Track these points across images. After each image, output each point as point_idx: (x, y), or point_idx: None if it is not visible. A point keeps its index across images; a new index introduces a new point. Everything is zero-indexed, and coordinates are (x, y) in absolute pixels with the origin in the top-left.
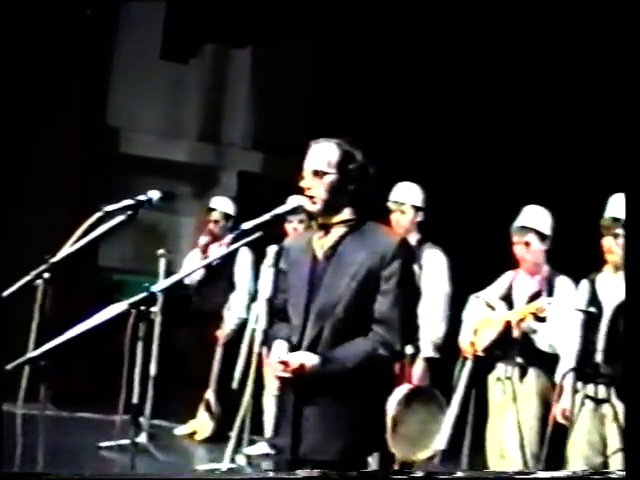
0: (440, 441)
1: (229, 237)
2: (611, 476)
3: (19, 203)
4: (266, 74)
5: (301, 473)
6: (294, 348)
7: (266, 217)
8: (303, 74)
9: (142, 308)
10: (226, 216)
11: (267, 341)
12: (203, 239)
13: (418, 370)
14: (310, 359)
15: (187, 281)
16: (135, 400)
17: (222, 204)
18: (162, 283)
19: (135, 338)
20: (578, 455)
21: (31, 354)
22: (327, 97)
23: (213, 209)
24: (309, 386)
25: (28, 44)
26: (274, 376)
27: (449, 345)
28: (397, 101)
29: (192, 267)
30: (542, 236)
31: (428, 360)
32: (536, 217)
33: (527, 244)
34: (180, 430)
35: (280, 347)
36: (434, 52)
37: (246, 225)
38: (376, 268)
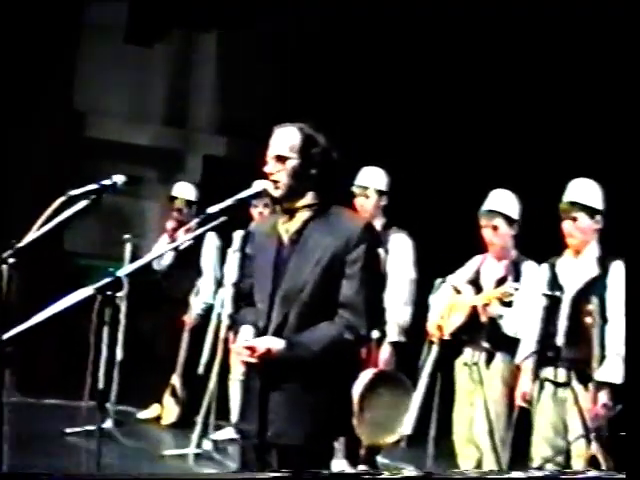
0: (406, 425)
1: (194, 222)
2: (611, 477)
3: None
4: (232, 58)
5: (272, 474)
6: (260, 333)
7: (230, 201)
8: (269, 58)
9: (108, 293)
10: (188, 203)
11: (233, 326)
12: (170, 224)
13: (384, 354)
14: (276, 344)
15: (156, 266)
16: (101, 386)
17: (183, 191)
18: (127, 268)
19: (101, 323)
20: (542, 439)
21: None
22: (293, 81)
23: (175, 197)
24: (275, 371)
25: None
26: (240, 361)
27: (416, 329)
28: (361, 85)
29: (157, 252)
30: (510, 220)
31: (394, 344)
32: (504, 201)
33: (495, 228)
34: (143, 414)
35: (246, 332)
36: (397, 35)
37: (211, 209)
38: (341, 252)
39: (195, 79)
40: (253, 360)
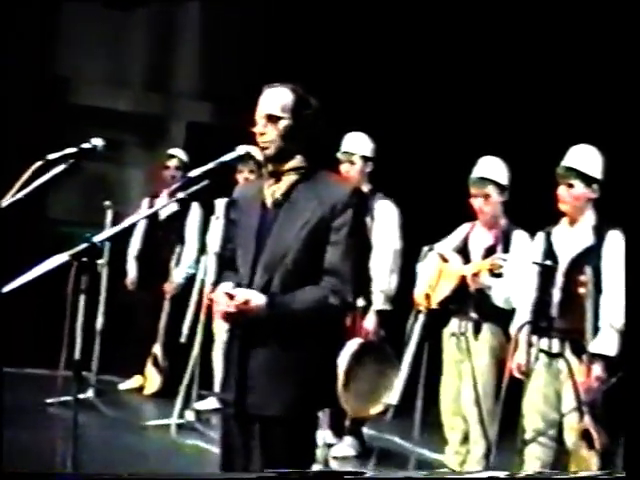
0: (392, 396)
1: (175, 186)
2: (611, 477)
3: None
4: (215, 22)
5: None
6: None
7: (212, 165)
8: (253, 23)
9: (84, 259)
10: (183, 165)
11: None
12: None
13: (370, 323)
14: (257, 297)
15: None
16: (77, 355)
17: (180, 153)
18: (103, 234)
19: (77, 291)
20: (533, 410)
21: None
22: (277, 46)
23: (174, 155)
24: (255, 334)
25: None
26: (219, 312)
27: (402, 298)
28: (346, 49)
29: (135, 217)
30: (500, 188)
31: (380, 313)
32: (494, 168)
33: (486, 196)
34: (124, 385)
35: (227, 284)
36: (386, 1)
37: (192, 173)
38: (327, 218)
39: (178, 44)
40: (231, 309)
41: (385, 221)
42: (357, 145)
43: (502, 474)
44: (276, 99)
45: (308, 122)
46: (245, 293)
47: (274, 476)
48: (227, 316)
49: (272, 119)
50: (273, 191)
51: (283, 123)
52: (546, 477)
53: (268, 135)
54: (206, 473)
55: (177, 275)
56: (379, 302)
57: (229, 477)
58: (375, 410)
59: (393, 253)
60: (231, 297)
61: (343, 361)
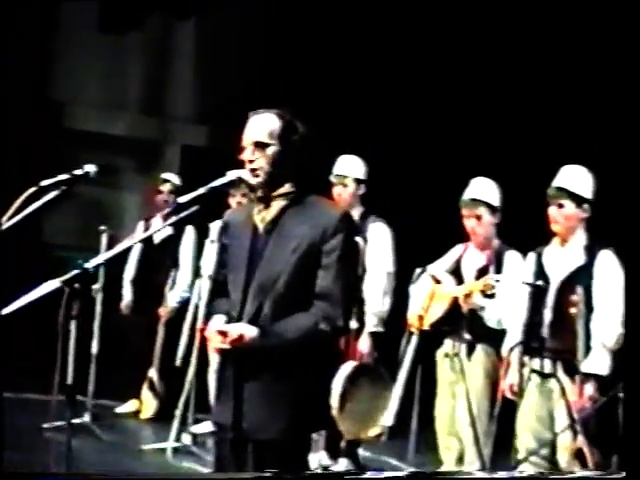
0: (387, 417)
1: (165, 211)
2: (611, 476)
3: None
4: (210, 46)
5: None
6: (234, 322)
7: (202, 190)
8: (247, 46)
9: (75, 286)
10: (177, 189)
11: (206, 316)
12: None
13: (363, 345)
14: (249, 330)
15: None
16: (70, 380)
17: (173, 177)
18: (95, 259)
19: (68, 316)
20: (526, 430)
21: None
22: (271, 69)
23: (167, 180)
24: (249, 360)
25: None
26: (213, 348)
27: (395, 320)
28: (340, 73)
29: (127, 243)
30: (492, 209)
31: (373, 335)
32: (486, 189)
33: (478, 217)
34: (121, 409)
35: (218, 319)
36: (377, 23)
37: (182, 199)
38: (317, 242)
39: (173, 68)
40: (225, 346)
41: (378, 243)
42: (350, 168)
43: (502, 474)
44: (263, 125)
45: (296, 147)
46: (237, 329)
47: (270, 476)
48: (222, 351)
49: (260, 146)
50: (263, 216)
51: (271, 149)
52: (546, 477)
53: (257, 162)
54: (199, 473)
55: (172, 299)
56: (372, 324)
57: (223, 477)
58: (372, 432)
59: (386, 275)
60: (224, 334)
61: (338, 384)
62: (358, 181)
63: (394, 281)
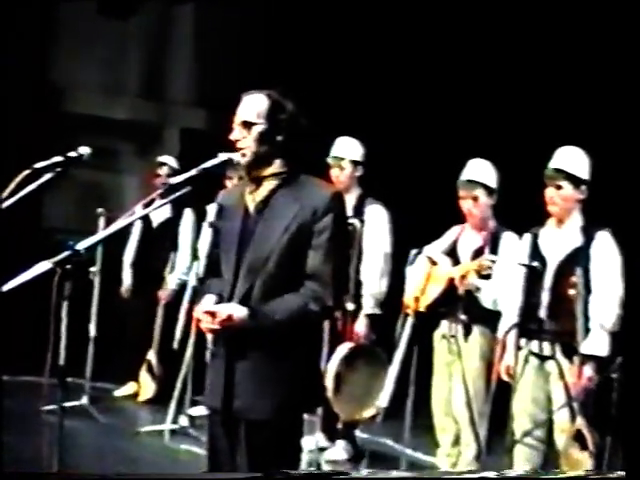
0: (383, 399)
1: (157, 193)
2: (611, 476)
3: None
4: (209, 29)
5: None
6: (225, 302)
7: (194, 171)
8: (247, 29)
9: (67, 267)
10: (175, 172)
11: (198, 296)
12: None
13: (360, 327)
14: (238, 311)
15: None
16: (61, 362)
17: (171, 160)
18: (87, 240)
19: (60, 298)
20: (523, 412)
21: None
22: (269, 52)
23: (164, 163)
24: (239, 341)
25: None
26: (203, 328)
27: (392, 301)
28: (337, 55)
29: (118, 225)
30: (489, 190)
31: (370, 316)
32: (483, 171)
33: (475, 199)
34: (120, 391)
35: (209, 299)
36: (374, 7)
37: (174, 180)
38: (308, 222)
39: (172, 51)
40: (215, 326)
41: (375, 225)
42: (347, 150)
43: (492, 474)
44: (251, 105)
45: (283, 126)
46: (226, 309)
47: (260, 476)
48: (212, 331)
49: (247, 125)
50: (254, 196)
51: (257, 129)
52: (546, 477)
53: (244, 141)
54: (194, 473)
55: (171, 282)
56: (369, 306)
57: (217, 477)
58: (368, 413)
59: (383, 257)
60: (213, 315)
61: (333, 365)
62: (355, 163)
63: (391, 263)
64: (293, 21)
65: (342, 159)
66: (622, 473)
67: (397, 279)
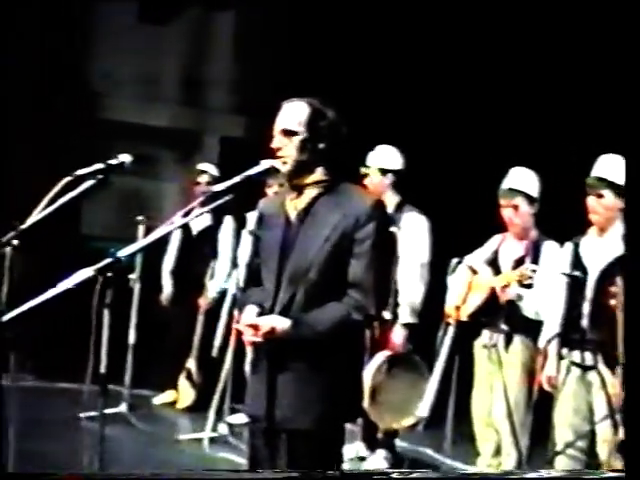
0: (423, 408)
1: (198, 201)
2: (611, 476)
3: None
4: (249, 36)
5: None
6: (266, 313)
7: (236, 179)
8: (286, 36)
9: (109, 274)
10: (215, 180)
11: (239, 307)
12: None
13: (397, 336)
14: (281, 322)
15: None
16: (103, 369)
17: (211, 168)
18: (128, 248)
19: (102, 305)
20: (564, 423)
21: None
22: (309, 59)
23: (204, 171)
24: (282, 352)
25: (7, 10)
26: (245, 341)
27: (432, 310)
28: (379, 62)
29: (159, 232)
30: (530, 199)
31: (407, 326)
32: (524, 179)
33: (515, 207)
34: (158, 399)
35: (250, 311)
36: (412, 11)
37: (216, 187)
38: (350, 230)
39: (212, 58)
40: (257, 339)
41: (413, 233)
42: (385, 158)
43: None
44: (292, 114)
45: (324, 134)
46: (269, 321)
47: (299, 476)
48: (255, 344)
49: (288, 134)
50: (295, 205)
51: (298, 137)
52: (545, 477)
53: (285, 150)
54: (227, 471)
55: (211, 289)
56: (406, 315)
57: (255, 477)
58: (407, 422)
59: (420, 266)
60: (256, 327)
61: (369, 374)
62: (391, 172)
63: (429, 271)
64: (333, 29)
65: (380, 168)
66: (622, 474)
67: (438, 288)
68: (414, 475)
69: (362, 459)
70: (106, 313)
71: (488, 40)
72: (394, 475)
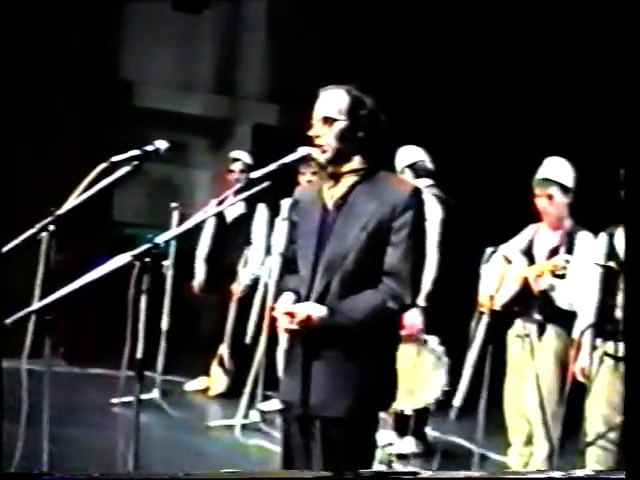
0: (456, 397)
1: (235, 187)
2: (611, 476)
3: (28, 155)
4: (281, 24)
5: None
6: (302, 300)
7: (273, 166)
8: (320, 23)
9: (146, 260)
10: (249, 168)
11: (276, 293)
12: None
13: (411, 319)
14: (317, 310)
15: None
16: (139, 355)
17: (244, 156)
18: (166, 234)
19: (139, 291)
20: (597, 414)
21: (31, 308)
22: (341, 46)
23: (237, 159)
24: (317, 339)
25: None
26: (280, 328)
27: (466, 300)
28: (411, 51)
29: (197, 219)
30: (565, 189)
31: (419, 308)
32: (559, 169)
33: (550, 197)
34: (190, 385)
35: (286, 299)
36: (445, 4)
37: (254, 174)
38: (387, 219)
39: (244, 46)
40: (293, 326)
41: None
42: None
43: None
44: (331, 101)
45: (363, 123)
46: (305, 309)
47: (331, 475)
48: (291, 332)
49: (327, 121)
50: (332, 193)
51: (338, 125)
52: (545, 477)
53: (324, 138)
54: (257, 472)
55: (244, 277)
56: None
57: (285, 477)
58: (418, 405)
59: (431, 249)
60: (292, 315)
61: None
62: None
63: (439, 254)
64: (368, 14)
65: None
66: (622, 474)
67: (471, 278)
68: (442, 475)
69: (390, 445)
70: (143, 299)
71: (520, 35)
72: (423, 475)
